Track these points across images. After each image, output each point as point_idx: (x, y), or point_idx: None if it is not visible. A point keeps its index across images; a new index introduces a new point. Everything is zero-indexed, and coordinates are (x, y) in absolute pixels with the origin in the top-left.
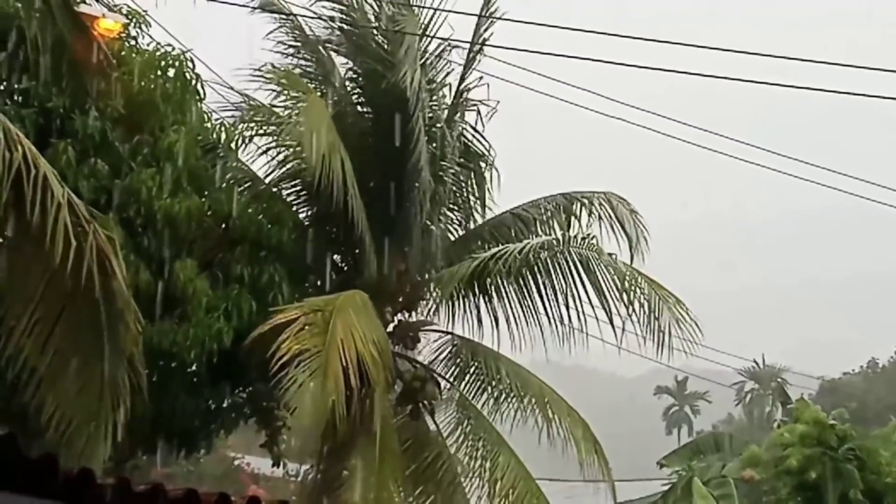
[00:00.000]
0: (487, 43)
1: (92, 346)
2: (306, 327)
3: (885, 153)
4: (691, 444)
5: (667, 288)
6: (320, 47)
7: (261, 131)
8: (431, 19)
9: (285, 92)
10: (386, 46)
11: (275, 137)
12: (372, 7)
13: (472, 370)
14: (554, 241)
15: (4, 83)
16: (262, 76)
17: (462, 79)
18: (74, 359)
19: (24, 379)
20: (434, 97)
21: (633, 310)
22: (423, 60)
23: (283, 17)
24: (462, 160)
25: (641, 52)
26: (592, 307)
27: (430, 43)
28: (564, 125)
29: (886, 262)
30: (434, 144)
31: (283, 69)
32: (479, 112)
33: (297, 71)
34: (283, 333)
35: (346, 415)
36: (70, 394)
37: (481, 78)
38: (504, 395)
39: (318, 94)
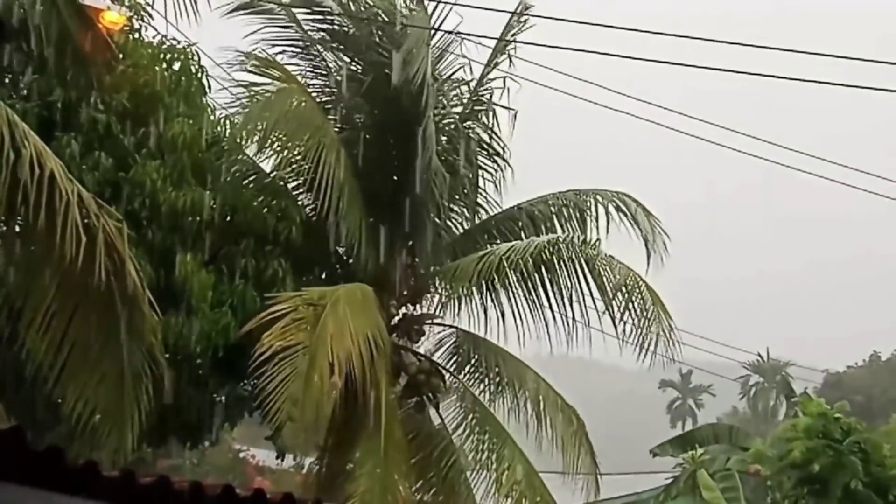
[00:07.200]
0: (507, 39)
1: (110, 338)
2: (294, 322)
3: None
4: (686, 434)
5: (657, 294)
6: (318, 45)
7: (261, 125)
8: (434, 13)
9: (267, 76)
10: (388, 40)
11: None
12: (374, 2)
13: (471, 363)
14: (560, 241)
15: (9, 76)
16: (244, 63)
17: (482, 75)
18: (93, 350)
19: (43, 372)
20: (443, 90)
21: (633, 306)
22: (433, 54)
23: (274, 14)
24: (471, 154)
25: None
26: (602, 302)
27: (439, 37)
28: (572, 118)
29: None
30: (444, 138)
31: (264, 56)
32: (494, 110)
33: (292, 68)
34: (269, 330)
35: (343, 410)
36: (91, 385)
37: (504, 77)
38: (500, 390)
39: (311, 88)
